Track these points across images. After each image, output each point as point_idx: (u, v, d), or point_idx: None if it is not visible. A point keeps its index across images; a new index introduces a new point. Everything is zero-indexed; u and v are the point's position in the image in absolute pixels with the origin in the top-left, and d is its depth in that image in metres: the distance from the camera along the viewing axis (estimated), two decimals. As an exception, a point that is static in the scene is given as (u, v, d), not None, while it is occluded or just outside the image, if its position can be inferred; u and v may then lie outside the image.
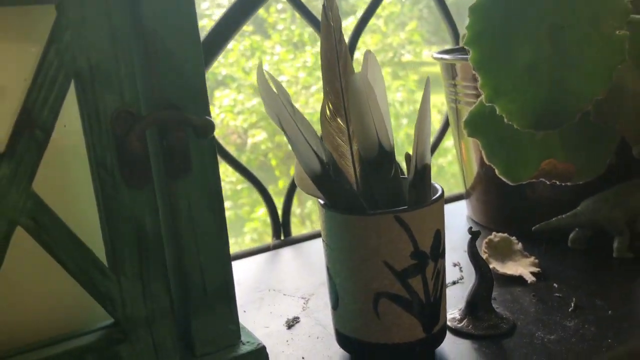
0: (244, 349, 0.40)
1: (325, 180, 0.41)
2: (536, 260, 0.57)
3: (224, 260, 0.39)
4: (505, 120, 0.48)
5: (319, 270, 0.60)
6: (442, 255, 0.43)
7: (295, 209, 3.00)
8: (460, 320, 0.48)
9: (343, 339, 0.44)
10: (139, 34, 0.35)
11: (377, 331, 0.42)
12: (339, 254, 0.42)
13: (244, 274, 0.61)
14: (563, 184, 0.53)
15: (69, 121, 0.35)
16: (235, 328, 0.41)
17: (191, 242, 0.38)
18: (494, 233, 0.59)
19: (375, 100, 0.45)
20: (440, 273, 0.43)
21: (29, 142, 0.33)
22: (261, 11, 4.80)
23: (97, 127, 0.34)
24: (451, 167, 2.68)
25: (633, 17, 0.50)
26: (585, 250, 0.60)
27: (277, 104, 0.39)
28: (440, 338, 0.44)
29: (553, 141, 0.51)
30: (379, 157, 0.44)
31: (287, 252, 0.67)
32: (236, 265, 0.64)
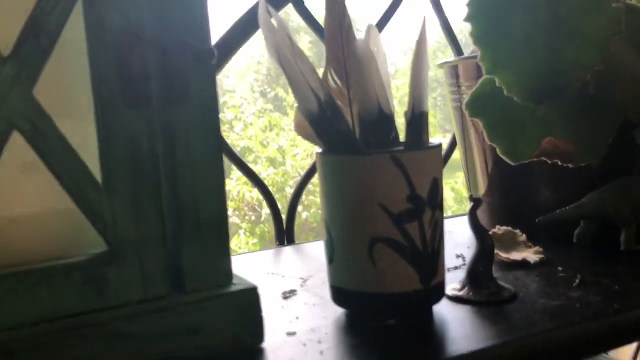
0: (235, 287, 0.39)
1: (322, 121, 0.41)
2: (540, 249, 0.55)
3: (218, 194, 0.39)
4: (505, 92, 0.49)
5: (320, 261, 0.59)
6: (440, 206, 0.42)
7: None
8: (460, 289, 0.46)
9: (338, 293, 0.43)
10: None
11: (373, 280, 0.41)
12: (335, 199, 0.42)
13: (245, 264, 0.61)
14: (565, 165, 0.52)
15: (76, 35, 0.36)
16: (227, 267, 0.40)
17: (187, 171, 0.38)
18: (497, 226, 0.58)
19: (377, 66, 0.47)
20: (438, 224, 0.42)
21: (33, 47, 0.34)
22: (280, 91, 4.95)
23: (101, 44, 0.35)
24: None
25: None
26: (591, 246, 0.58)
27: (277, 40, 0.40)
28: (437, 294, 0.43)
29: (554, 119, 0.52)
30: (379, 119, 0.45)
31: (289, 249, 0.66)
32: (238, 258, 0.63)
